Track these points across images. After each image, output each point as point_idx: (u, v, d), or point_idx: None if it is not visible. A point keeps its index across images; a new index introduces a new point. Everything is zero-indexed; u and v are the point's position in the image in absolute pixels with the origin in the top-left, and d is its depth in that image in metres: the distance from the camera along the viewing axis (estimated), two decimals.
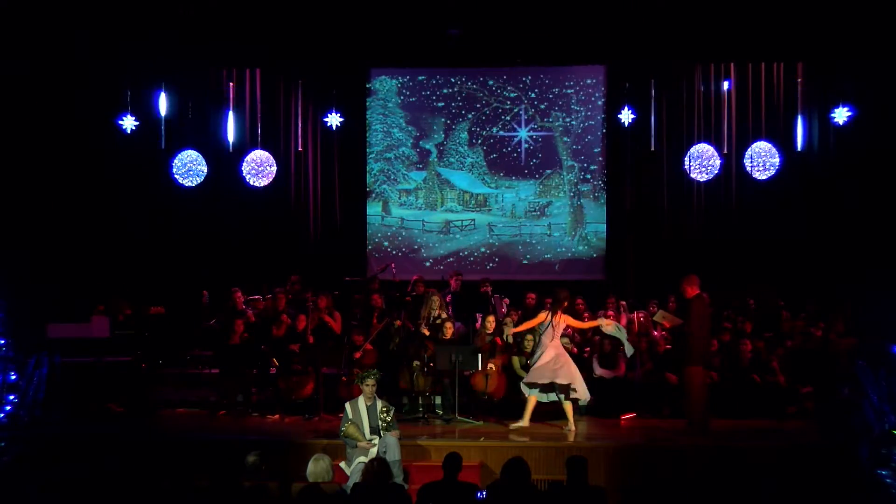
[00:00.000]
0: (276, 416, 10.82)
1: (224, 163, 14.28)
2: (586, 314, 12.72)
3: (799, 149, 13.88)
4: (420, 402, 10.88)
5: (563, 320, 9.97)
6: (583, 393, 9.87)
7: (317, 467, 7.00)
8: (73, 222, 13.39)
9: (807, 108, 13.89)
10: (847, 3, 12.06)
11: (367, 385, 8.51)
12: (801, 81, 13.92)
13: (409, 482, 8.18)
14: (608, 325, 10.23)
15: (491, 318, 11.09)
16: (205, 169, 13.87)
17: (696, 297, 9.90)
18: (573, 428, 9.81)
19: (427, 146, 14.96)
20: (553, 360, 9.77)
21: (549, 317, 9.92)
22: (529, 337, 11.11)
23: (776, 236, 13.74)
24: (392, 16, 12.86)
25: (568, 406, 9.87)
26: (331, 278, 13.19)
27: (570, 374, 9.80)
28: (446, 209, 15.00)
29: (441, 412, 10.81)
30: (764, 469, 8.79)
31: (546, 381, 9.81)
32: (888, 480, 7.44)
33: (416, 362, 10.72)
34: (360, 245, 14.94)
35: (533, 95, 14.82)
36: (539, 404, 10.08)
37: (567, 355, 10.02)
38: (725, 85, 14.05)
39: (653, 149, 14.17)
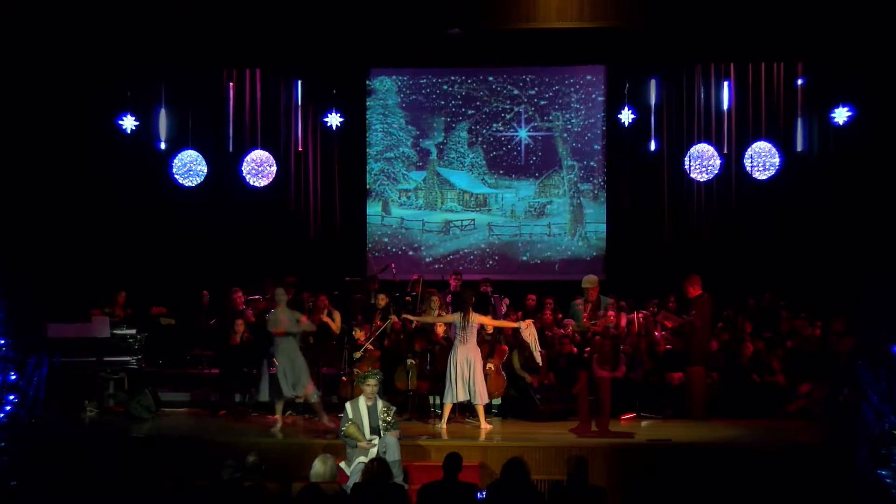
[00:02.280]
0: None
1: (224, 163, 14.27)
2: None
3: (799, 149, 13.88)
4: (418, 402, 10.88)
5: (476, 320, 10.07)
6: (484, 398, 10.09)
7: (324, 467, 6.99)
8: (73, 222, 13.37)
9: (807, 108, 13.89)
10: (847, 3, 12.04)
11: (368, 385, 8.52)
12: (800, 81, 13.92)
13: (409, 482, 8.18)
14: (526, 327, 10.23)
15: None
16: (205, 169, 13.84)
17: (698, 297, 9.92)
18: (485, 426, 10.00)
19: (427, 146, 14.95)
20: (463, 373, 9.88)
21: (461, 317, 10.01)
22: None
23: (776, 236, 13.73)
24: (392, 16, 12.84)
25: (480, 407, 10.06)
26: (331, 278, 13.18)
27: (480, 390, 9.95)
28: (446, 209, 14.99)
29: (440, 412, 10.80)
30: (764, 469, 8.79)
31: (463, 398, 9.97)
32: (888, 480, 7.44)
33: (409, 361, 10.72)
34: (360, 245, 14.93)
35: (533, 95, 14.82)
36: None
37: (478, 359, 10.06)
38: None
39: (653, 149, 14.17)
